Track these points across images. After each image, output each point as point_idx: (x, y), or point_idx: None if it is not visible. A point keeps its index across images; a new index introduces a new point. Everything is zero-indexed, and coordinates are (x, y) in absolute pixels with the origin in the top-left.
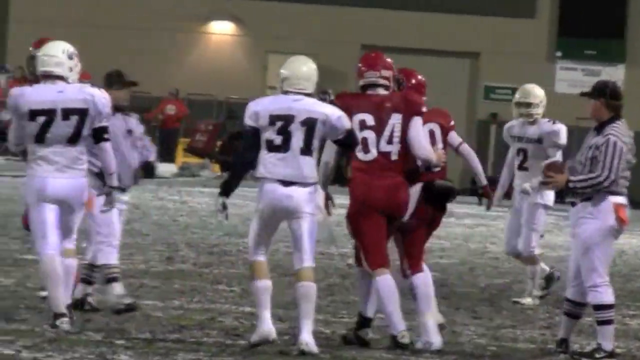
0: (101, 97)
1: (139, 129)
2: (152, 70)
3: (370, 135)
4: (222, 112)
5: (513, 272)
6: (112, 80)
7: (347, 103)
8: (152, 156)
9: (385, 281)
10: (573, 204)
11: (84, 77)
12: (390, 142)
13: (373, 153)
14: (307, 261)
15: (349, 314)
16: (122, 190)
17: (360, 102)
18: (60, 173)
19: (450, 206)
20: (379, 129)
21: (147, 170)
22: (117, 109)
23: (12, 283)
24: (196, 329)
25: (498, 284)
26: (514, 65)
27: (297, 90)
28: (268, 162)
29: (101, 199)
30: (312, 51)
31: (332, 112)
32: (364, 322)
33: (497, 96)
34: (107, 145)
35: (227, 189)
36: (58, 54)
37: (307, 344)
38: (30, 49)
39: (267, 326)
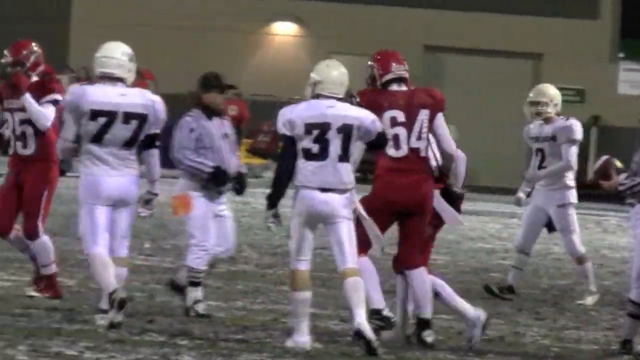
0: (160, 104)
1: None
2: (215, 70)
3: (401, 131)
4: None
5: (576, 273)
6: (210, 84)
7: (374, 100)
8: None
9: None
10: (632, 205)
11: (148, 78)
12: (419, 138)
13: (404, 150)
14: (350, 263)
15: (412, 316)
16: (220, 193)
17: (388, 99)
18: (116, 172)
19: (516, 208)
20: (409, 125)
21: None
22: (214, 112)
23: (75, 283)
24: (259, 330)
25: (561, 285)
26: (577, 67)
27: (329, 94)
28: (307, 171)
29: (201, 202)
30: (374, 52)
31: (365, 117)
32: (421, 323)
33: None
34: (156, 152)
35: (273, 201)
36: (118, 55)
37: (360, 323)
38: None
39: (304, 337)
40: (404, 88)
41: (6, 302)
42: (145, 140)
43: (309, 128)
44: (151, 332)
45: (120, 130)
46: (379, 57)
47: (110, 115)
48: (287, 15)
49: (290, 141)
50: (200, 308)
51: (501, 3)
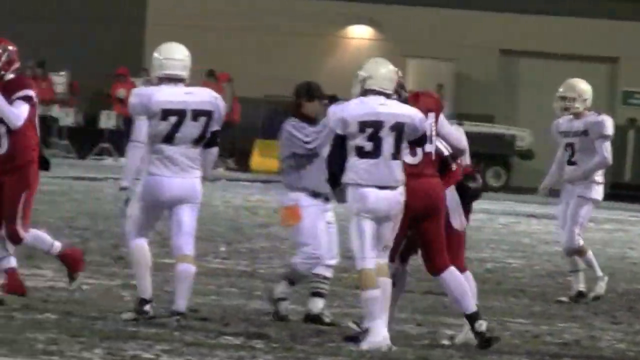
0: (222, 101)
1: None
2: (290, 74)
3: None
4: None
5: (568, 269)
6: (314, 94)
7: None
8: None
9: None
10: None
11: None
12: (430, 142)
13: (419, 155)
14: (382, 259)
15: (488, 319)
16: (327, 199)
17: (411, 102)
18: (185, 173)
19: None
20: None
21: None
22: (309, 120)
23: (153, 287)
24: (336, 333)
25: (637, 289)
26: None
27: (380, 89)
28: (360, 169)
29: (310, 212)
30: (449, 56)
31: (415, 114)
32: (471, 318)
33: (635, 101)
34: (216, 150)
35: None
36: (183, 57)
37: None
38: None
39: (383, 334)
40: (404, 94)
41: (82, 305)
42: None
43: (362, 126)
44: (227, 335)
45: (190, 128)
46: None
47: (180, 114)
48: (363, 18)
49: (341, 140)
50: (326, 317)
51: (577, 6)
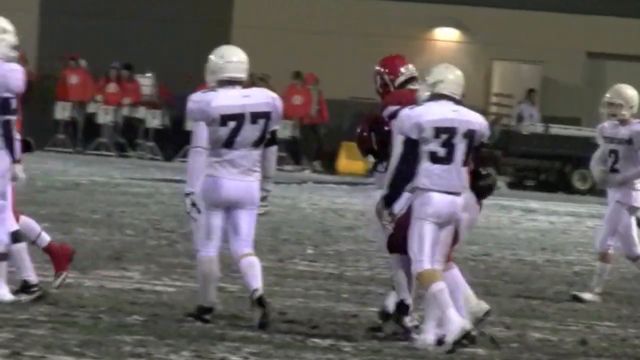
0: (280, 101)
1: None
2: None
3: None
4: None
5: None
6: None
7: (409, 100)
8: None
9: None
10: None
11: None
12: None
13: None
14: (440, 265)
15: (576, 322)
16: None
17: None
18: (244, 176)
19: None
20: None
21: None
22: None
23: (238, 289)
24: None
25: None
26: None
27: (450, 94)
28: (433, 174)
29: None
30: (536, 58)
31: (482, 122)
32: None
33: None
34: (275, 149)
35: (391, 202)
36: (244, 59)
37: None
38: None
39: (458, 321)
40: (417, 86)
41: (170, 307)
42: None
43: (437, 132)
44: (314, 337)
45: (249, 131)
46: (385, 64)
47: (239, 118)
48: (449, 21)
49: (414, 144)
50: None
51: None
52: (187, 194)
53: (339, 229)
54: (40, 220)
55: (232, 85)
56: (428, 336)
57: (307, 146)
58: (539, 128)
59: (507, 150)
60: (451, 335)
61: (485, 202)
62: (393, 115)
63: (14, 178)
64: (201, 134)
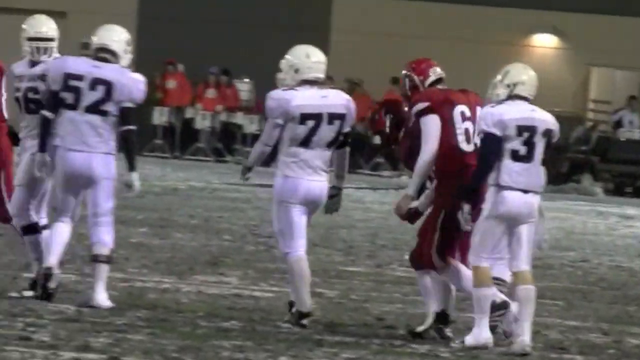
0: (354, 104)
1: None
2: (474, 82)
3: (470, 126)
4: None
5: None
6: None
7: (445, 96)
8: None
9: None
10: None
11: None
12: (477, 134)
13: (473, 144)
14: (525, 265)
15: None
16: None
17: (453, 95)
18: (317, 176)
19: None
20: (473, 120)
21: None
22: None
23: (336, 295)
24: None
25: None
26: None
27: (529, 95)
28: (513, 172)
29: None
30: (634, 65)
31: (555, 121)
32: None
33: None
34: (348, 150)
35: (472, 197)
36: (323, 60)
37: (527, 345)
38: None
39: (486, 334)
40: (441, 86)
41: (267, 312)
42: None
43: (520, 130)
44: (413, 343)
45: (325, 132)
46: (413, 67)
47: (317, 118)
48: (547, 27)
49: (498, 140)
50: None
51: None
52: (245, 167)
53: None
54: (138, 225)
55: (312, 85)
56: (484, 335)
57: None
58: (636, 134)
59: (605, 156)
60: (472, 339)
61: (582, 208)
62: (422, 112)
63: (129, 186)
64: (272, 132)
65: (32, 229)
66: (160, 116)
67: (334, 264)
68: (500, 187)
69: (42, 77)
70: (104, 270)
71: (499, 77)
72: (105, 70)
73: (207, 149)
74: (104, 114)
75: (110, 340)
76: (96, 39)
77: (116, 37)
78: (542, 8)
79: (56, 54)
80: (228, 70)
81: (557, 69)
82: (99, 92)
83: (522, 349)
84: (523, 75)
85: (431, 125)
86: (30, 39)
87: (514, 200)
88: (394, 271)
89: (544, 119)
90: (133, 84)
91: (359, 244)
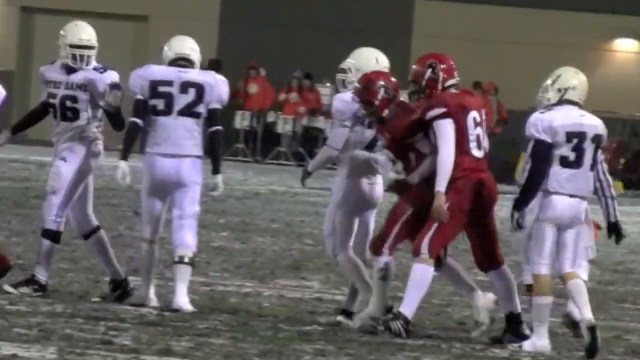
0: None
1: None
2: None
3: (480, 132)
4: (625, 129)
5: None
6: None
7: (461, 101)
8: None
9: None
10: None
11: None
12: (485, 137)
13: (483, 149)
14: (569, 268)
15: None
16: None
17: (467, 100)
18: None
19: None
20: (482, 126)
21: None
22: None
23: None
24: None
25: None
26: None
27: (579, 100)
28: (562, 178)
29: None
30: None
31: (604, 127)
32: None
33: None
34: None
35: (522, 206)
36: (388, 64)
37: (590, 320)
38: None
39: (544, 341)
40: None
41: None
42: None
43: (569, 136)
44: (494, 348)
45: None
46: (443, 60)
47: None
48: (628, 32)
49: (549, 147)
50: None
51: None
52: (306, 172)
53: (520, 240)
54: (220, 229)
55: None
56: (542, 342)
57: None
58: None
59: None
60: (530, 346)
61: None
62: (438, 117)
63: (214, 188)
64: (340, 135)
65: (52, 235)
66: (242, 120)
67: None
68: (548, 193)
69: (83, 87)
70: (186, 272)
71: (549, 80)
72: (192, 74)
73: (289, 153)
74: (196, 116)
75: (192, 344)
76: (174, 49)
77: (192, 45)
78: (623, 13)
79: (94, 63)
80: (310, 74)
81: (638, 72)
82: (190, 94)
83: (589, 322)
84: (574, 79)
85: (448, 130)
86: (72, 46)
87: (562, 205)
88: (475, 276)
89: (593, 124)
90: (220, 86)
91: None
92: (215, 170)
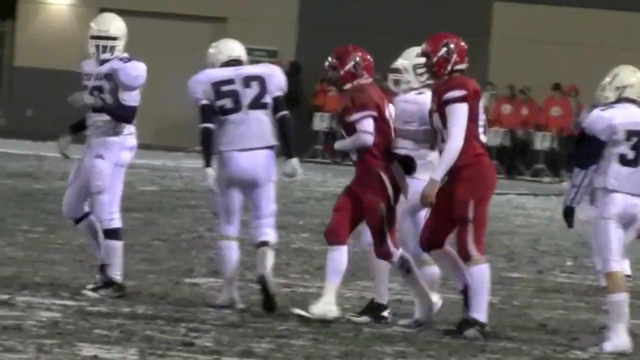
0: None
1: None
2: None
3: (484, 118)
4: None
5: None
6: None
7: (476, 87)
8: None
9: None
10: None
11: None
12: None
13: (486, 136)
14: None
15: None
16: None
17: (478, 87)
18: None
19: None
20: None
21: None
22: None
23: (499, 301)
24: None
25: None
26: None
27: (638, 98)
28: (622, 176)
29: None
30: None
31: None
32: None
33: None
34: None
35: (574, 201)
36: None
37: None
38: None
39: (625, 339)
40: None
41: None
42: None
43: (629, 135)
44: (574, 349)
45: None
46: (457, 43)
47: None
48: None
49: (602, 145)
50: None
51: None
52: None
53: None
54: (300, 230)
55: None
56: (622, 341)
57: (567, 158)
58: None
59: None
60: (611, 346)
61: None
62: (455, 100)
63: (292, 174)
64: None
65: (113, 233)
66: (320, 122)
67: (495, 270)
68: (608, 191)
69: (108, 77)
70: (270, 254)
71: (607, 79)
72: (248, 69)
73: None
74: (264, 106)
75: (273, 345)
76: (226, 52)
77: (241, 47)
78: None
79: (120, 54)
80: (387, 76)
81: None
82: (254, 87)
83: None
84: (632, 77)
85: (463, 114)
86: (93, 37)
87: (624, 201)
88: (556, 277)
89: None
90: (278, 74)
91: (521, 250)
92: (290, 154)
